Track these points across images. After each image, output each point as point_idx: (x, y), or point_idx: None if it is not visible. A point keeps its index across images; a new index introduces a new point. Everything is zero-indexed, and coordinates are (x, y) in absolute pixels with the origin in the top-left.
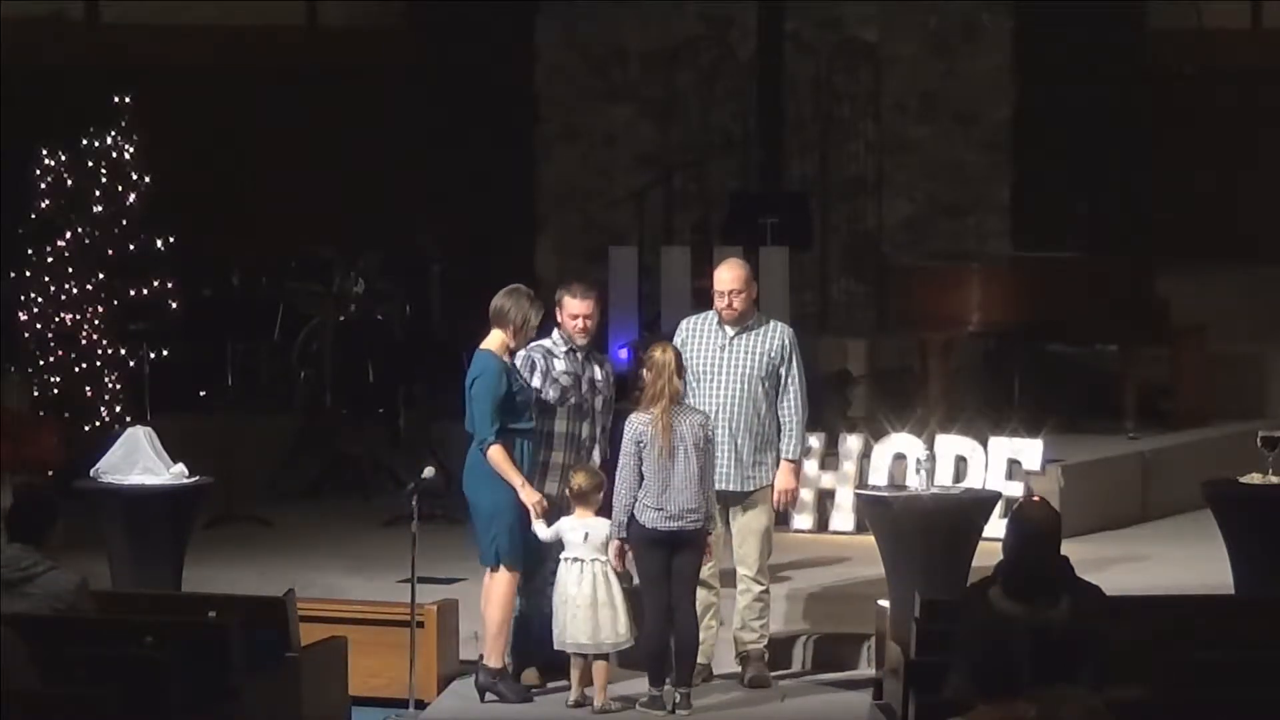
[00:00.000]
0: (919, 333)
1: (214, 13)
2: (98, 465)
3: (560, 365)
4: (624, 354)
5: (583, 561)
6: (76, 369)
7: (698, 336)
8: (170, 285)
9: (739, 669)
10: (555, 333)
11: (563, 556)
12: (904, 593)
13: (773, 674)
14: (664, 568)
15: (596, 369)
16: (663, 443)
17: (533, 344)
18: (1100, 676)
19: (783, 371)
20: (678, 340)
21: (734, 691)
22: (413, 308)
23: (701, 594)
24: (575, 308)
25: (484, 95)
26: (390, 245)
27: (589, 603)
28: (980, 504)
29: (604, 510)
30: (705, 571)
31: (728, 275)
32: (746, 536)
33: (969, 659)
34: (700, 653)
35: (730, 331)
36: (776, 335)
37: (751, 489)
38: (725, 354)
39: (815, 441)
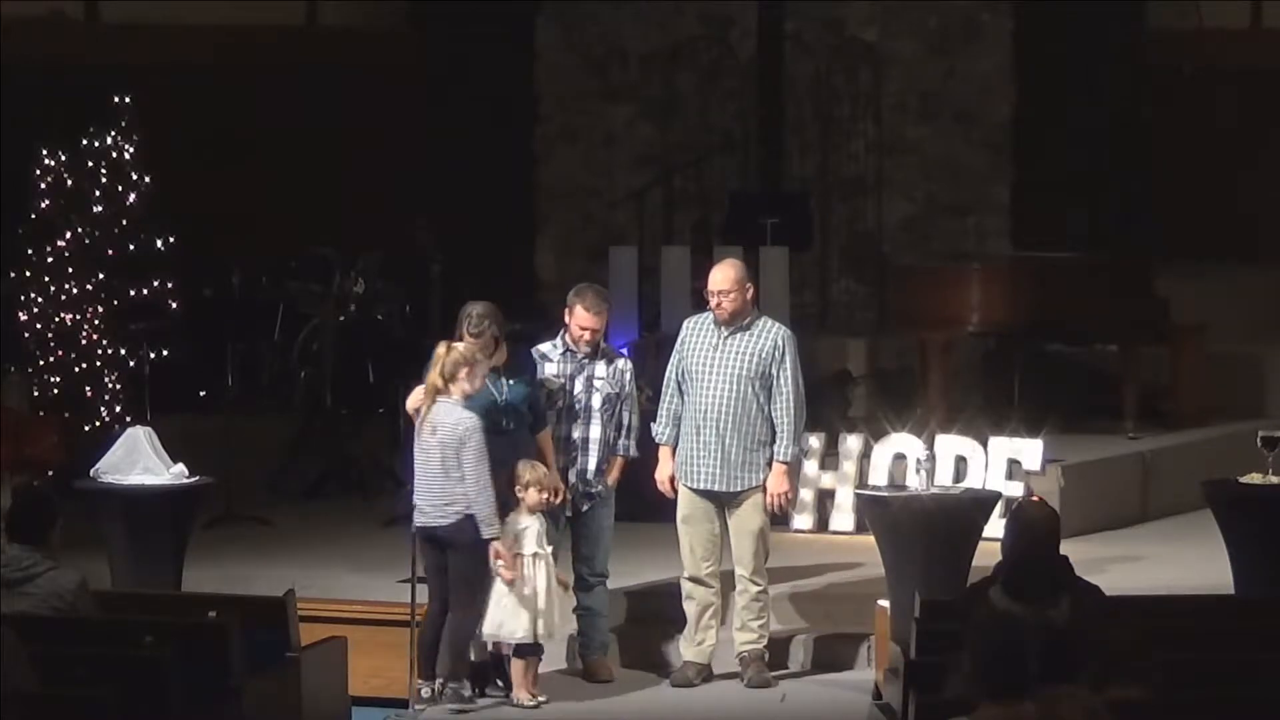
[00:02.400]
0: (919, 333)
1: (214, 13)
2: (98, 465)
3: (551, 369)
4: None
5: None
6: (76, 369)
7: (695, 335)
8: (170, 285)
9: (739, 669)
10: (560, 335)
11: None
12: (904, 593)
13: (773, 674)
14: (438, 563)
15: (600, 366)
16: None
17: (537, 348)
18: (1100, 676)
19: (774, 372)
20: (680, 338)
21: (734, 692)
22: (413, 308)
23: (701, 593)
24: (585, 320)
25: (484, 95)
26: (390, 245)
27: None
28: (980, 504)
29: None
30: (704, 570)
31: (719, 276)
32: (741, 537)
33: (971, 659)
34: (700, 653)
35: (724, 331)
36: (769, 336)
37: (739, 489)
38: (717, 353)
39: (815, 441)
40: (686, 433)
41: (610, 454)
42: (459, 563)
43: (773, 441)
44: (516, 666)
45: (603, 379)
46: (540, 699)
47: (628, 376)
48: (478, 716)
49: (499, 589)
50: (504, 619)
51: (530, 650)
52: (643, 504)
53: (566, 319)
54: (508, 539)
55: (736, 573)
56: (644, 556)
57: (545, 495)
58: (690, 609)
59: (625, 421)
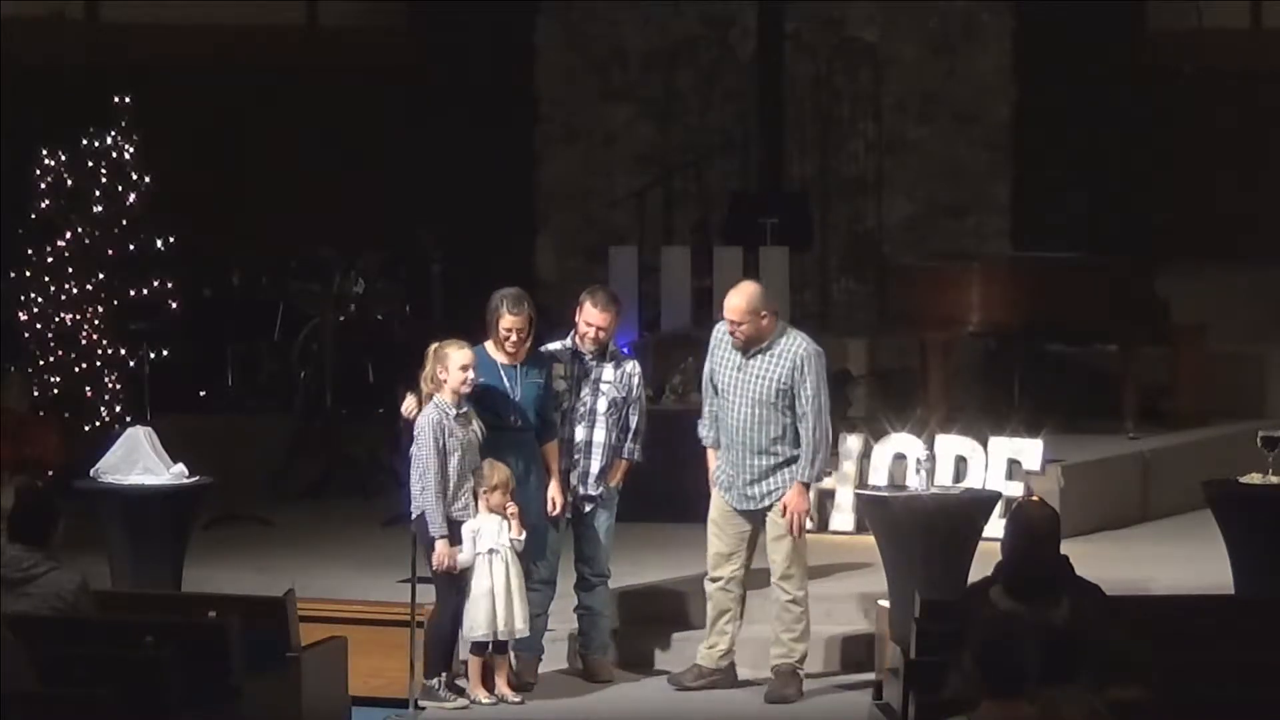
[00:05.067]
0: (919, 333)
1: (214, 13)
2: (98, 465)
3: (559, 370)
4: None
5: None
6: (76, 369)
7: (721, 347)
8: (170, 285)
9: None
10: (569, 335)
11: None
12: (904, 593)
13: (758, 678)
14: None
15: (608, 370)
16: None
17: (545, 347)
18: (1100, 676)
19: (797, 391)
20: (711, 344)
21: (733, 691)
22: (413, 308)
23: (719, 597)
24: (593, 317)
25: (484, 95)
26: (390, 245)
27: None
28: (980, 504)
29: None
30: (726, 572)
31: (732, 303)
32: (776, 542)
33: (971, 659)
34: (709, 657)
35: (739, 357)
36: (789, 357)
37: (769, 505)
38: (740, 374)
39: None
40: (722, 445)
41: (614, 457)
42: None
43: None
44: (473, 664)
45: (609, 383)
46: (507, 698)
47: (635, 380)
48: (466, 715)
49: (471, 588)
50: (465, 616)
51: (484, 648)
52: (645, 504)
53: (576, 318)
54: (467, 537)
55: (771, 578)
56: (645, 557)
57: (506, 496)
58: (709, 610)
59: (631, 425)
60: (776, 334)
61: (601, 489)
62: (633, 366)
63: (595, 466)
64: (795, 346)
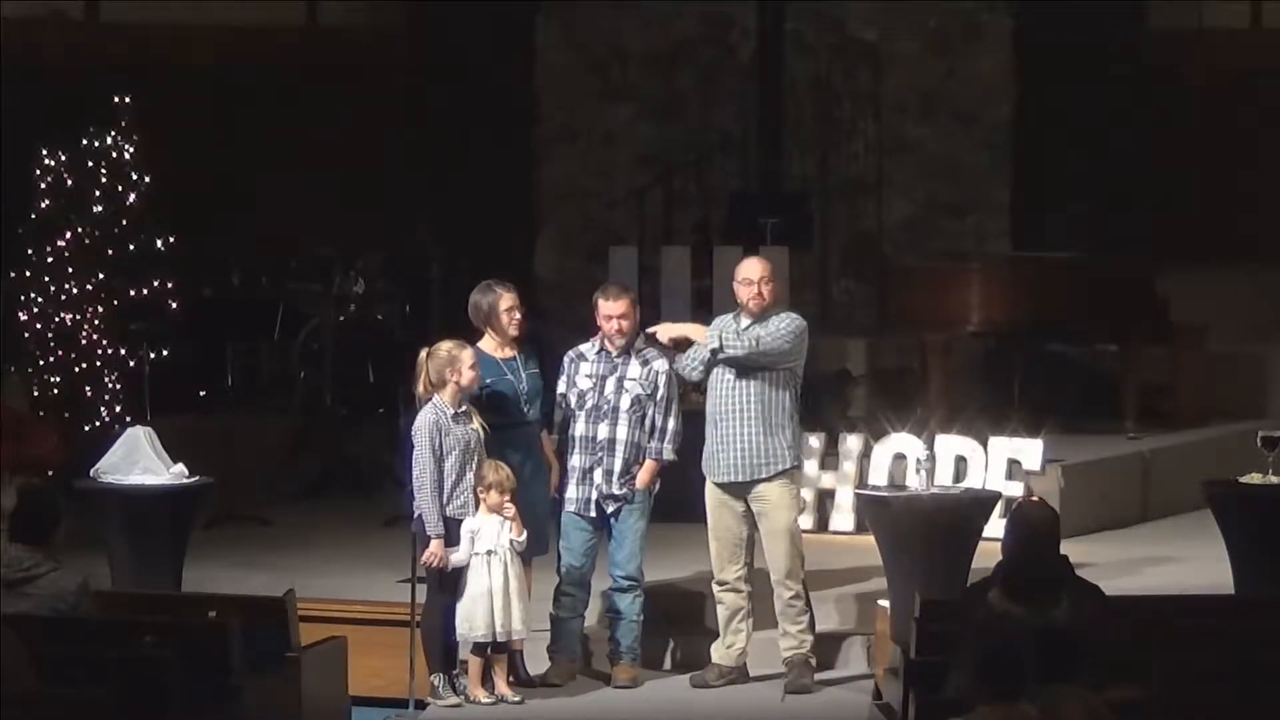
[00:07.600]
0: (919, 333)
1: (214, 13)
2: (98, 465)
3: (585, 369)
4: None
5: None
6: (76, 369)
7: (725, 328)
8: (170, 285)
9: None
10: (598, 335)
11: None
12: (904, 593)
13: (769, 673)
14: None
15: (634, 367)
16: None
17: (575, 348)
18: (1100, 676)
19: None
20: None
21: (733, 692)
22: (413, 308)
23: (730, 598)
24: (608, 309)
25: (484, 95)
26: (390, 245)
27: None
28: (980, 504)
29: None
30: (732, 574)
31: (754, 264)
32: (771, 540)
33: (971, 659)
34: (727, 656)
35: (745, 321)
36: (779, 320)
37: (760, 477)
38: (734, 339)
39: (815, 441)
40: (708, 429)
41: (639, 456)
42: None
43: (795, 426)
44: (472, 664)
45: (634, 380)
46: (506, 698)
47: (661, 378)
48: (465, 714)
49: (469, 588)
50: (464, 617)
51: (485, 649)
52: (665, 504)
53: (596, 320)
54: (465, 536)
55: (771, 577)
56: (647, 557)
57: (506, 497)
58: (720, 613)
59: (657, 424)
60: (777, 310)
61: (626, 489)
62: (660, 364)
63: (618, 464)
64: (790, 315)
